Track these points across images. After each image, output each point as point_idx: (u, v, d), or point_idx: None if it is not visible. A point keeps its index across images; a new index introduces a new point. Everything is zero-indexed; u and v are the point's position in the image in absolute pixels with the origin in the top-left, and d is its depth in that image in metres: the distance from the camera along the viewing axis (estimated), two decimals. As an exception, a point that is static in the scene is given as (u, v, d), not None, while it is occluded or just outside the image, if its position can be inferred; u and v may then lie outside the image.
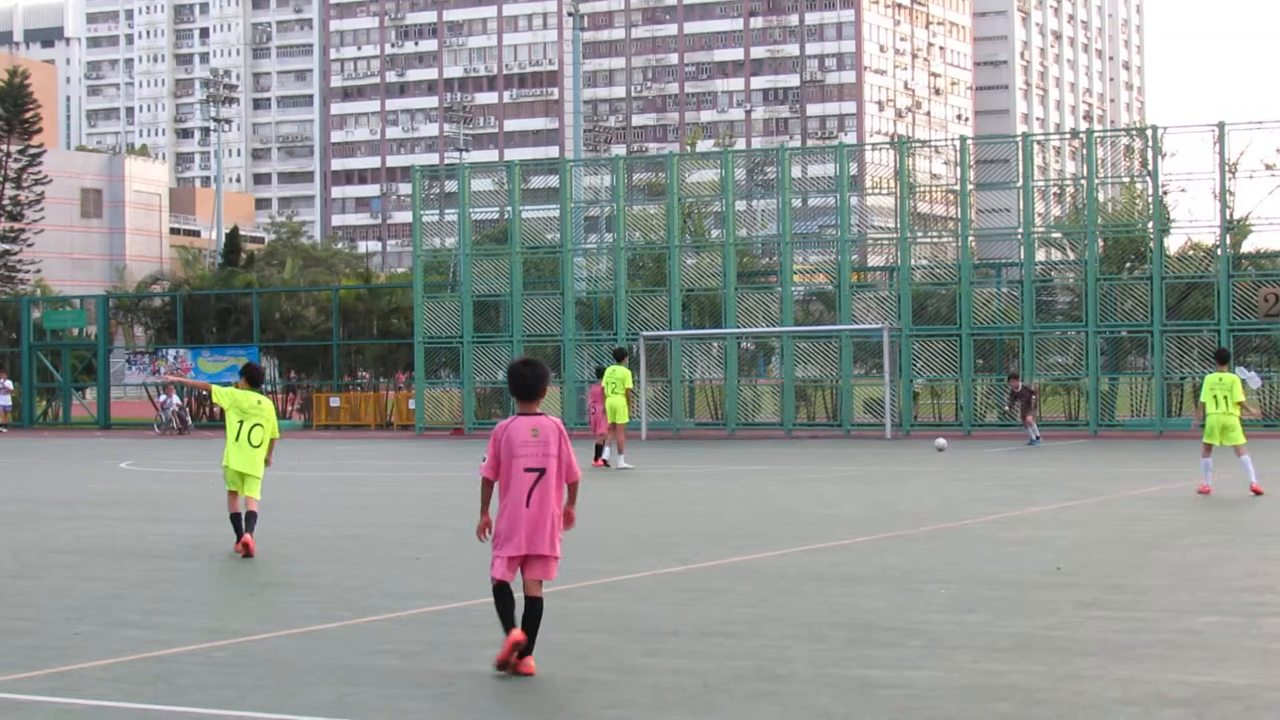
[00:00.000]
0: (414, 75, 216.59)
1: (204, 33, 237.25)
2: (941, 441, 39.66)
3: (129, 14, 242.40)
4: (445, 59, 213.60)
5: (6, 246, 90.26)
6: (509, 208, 53.65)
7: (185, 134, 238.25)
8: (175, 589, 16.14)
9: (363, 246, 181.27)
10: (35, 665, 11.95)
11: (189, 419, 57.81)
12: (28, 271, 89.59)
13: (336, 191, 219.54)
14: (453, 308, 53.11)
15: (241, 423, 18.76)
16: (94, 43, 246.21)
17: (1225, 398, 24.70)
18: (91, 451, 45.42)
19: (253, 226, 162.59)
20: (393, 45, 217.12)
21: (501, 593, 11.43)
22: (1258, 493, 24.33)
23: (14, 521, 23.77)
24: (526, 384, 11.52)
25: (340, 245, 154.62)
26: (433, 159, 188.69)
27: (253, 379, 19.22)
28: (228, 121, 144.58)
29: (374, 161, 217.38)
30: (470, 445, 44.63)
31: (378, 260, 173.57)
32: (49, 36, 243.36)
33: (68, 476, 34.65)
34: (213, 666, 11.87)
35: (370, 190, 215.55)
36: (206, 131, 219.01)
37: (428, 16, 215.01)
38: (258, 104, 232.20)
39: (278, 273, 74.18)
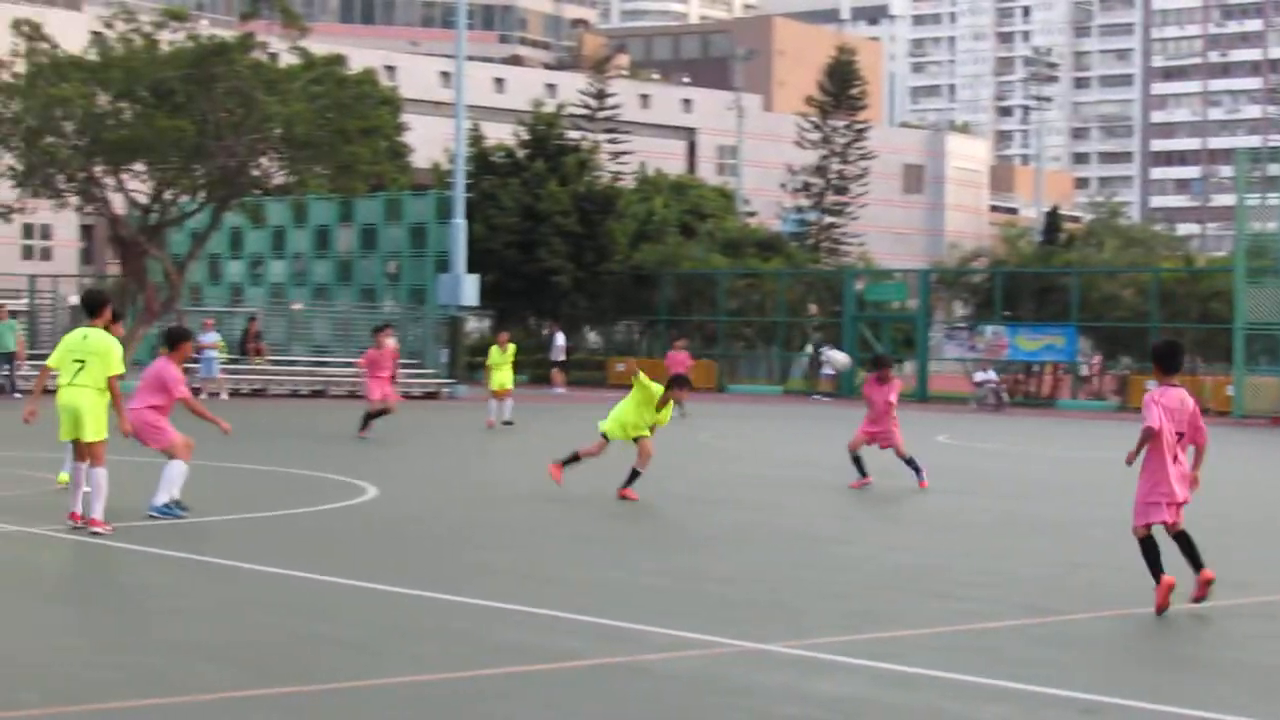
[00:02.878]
0: (1237, 55, 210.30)
1: (1026, 11, 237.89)
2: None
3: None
4: (1270, 39, 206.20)
5: (832, 220, 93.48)
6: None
7: (1005, 112, 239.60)
8: (992, 562, 16.24)
9: (1182, 229, 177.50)
10: (857, 629, 12.27)
11: (1005, 396, 58.01)
12: (851, 244, 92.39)
13: (1156, 173, 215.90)
14: (1275, 294, 51.21)
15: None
16: (918, 21, 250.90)
17: None
18: (910, 424, 46.28)
19: (1071, 206, 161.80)
20: (1216, 25, 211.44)
21: (1151, 547, 13.23)
22: None
23: (834, 489, 24.49)
24: (1173, 361, 13.59)
25: (1159, 227, 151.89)
26: (1256, 141, 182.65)
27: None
28: (1048, 100, 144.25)
29: (1195, 143, 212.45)
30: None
31: (1196, 243, 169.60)
32: (875, 15, 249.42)
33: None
34: (1033, 643, 11.89)
35: (1190, 172, 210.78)
36: (1027, 110, 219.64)
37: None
38: (1078, 83, 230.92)
39: (1096, 253, 73.39)
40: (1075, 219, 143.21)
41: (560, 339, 63.16)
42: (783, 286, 67.13)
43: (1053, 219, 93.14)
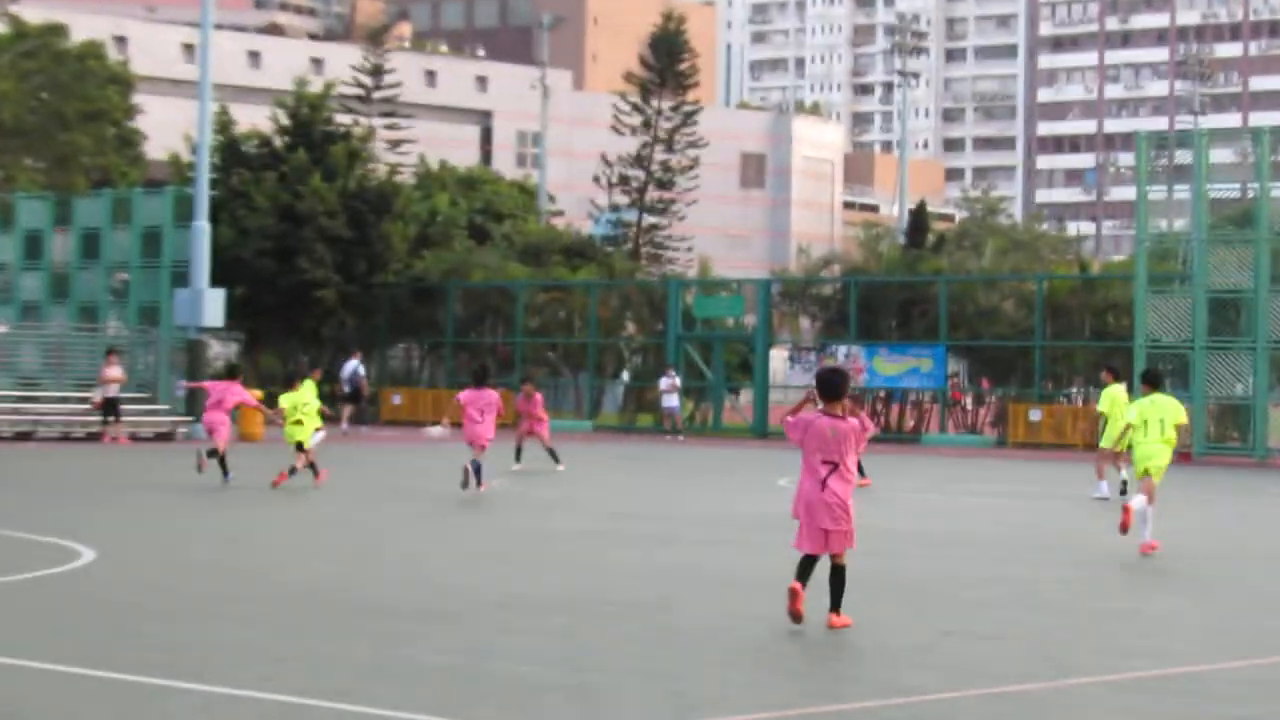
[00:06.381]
0: (1139, 22, 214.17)
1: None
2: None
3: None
4: (1178, 3, 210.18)
5: (654, 220, 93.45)
6: (1254, 184, 52.15)
7: (864, 90, 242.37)
8: (837, 635, 16.20)
9: (1072, 228, 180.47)
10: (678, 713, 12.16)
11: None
12: (677, 249, 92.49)
13: (1042, 161, 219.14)
14: (1183, 305, 51.94)
15: None
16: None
17: (1160, 421, 24.53)
18: (744, 464, 46.39)
19: (941, 201, 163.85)
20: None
21: (805, 561, 16.00)
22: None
23: (652, 542, 24.45)
24: (832, 387, 16.10)
25: (1045, 226, 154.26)
26: (1161, 123, 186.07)
27: None
28: (915, 76, 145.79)
29: (1089, 126, 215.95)
30: (1198, 474, 43.45)
31: (1090, 245, 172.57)
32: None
33: (715, 493, 35.49)
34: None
35: (1084, 161, 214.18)
36: (889, 88, 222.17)
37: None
38: (950, 55, 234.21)
39: (972, 257, 74.02)
40: (947, 217, 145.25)
41: (346, 369, 60.88)
42: (595, 301, 67.08)
43: (919, 217, 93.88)
